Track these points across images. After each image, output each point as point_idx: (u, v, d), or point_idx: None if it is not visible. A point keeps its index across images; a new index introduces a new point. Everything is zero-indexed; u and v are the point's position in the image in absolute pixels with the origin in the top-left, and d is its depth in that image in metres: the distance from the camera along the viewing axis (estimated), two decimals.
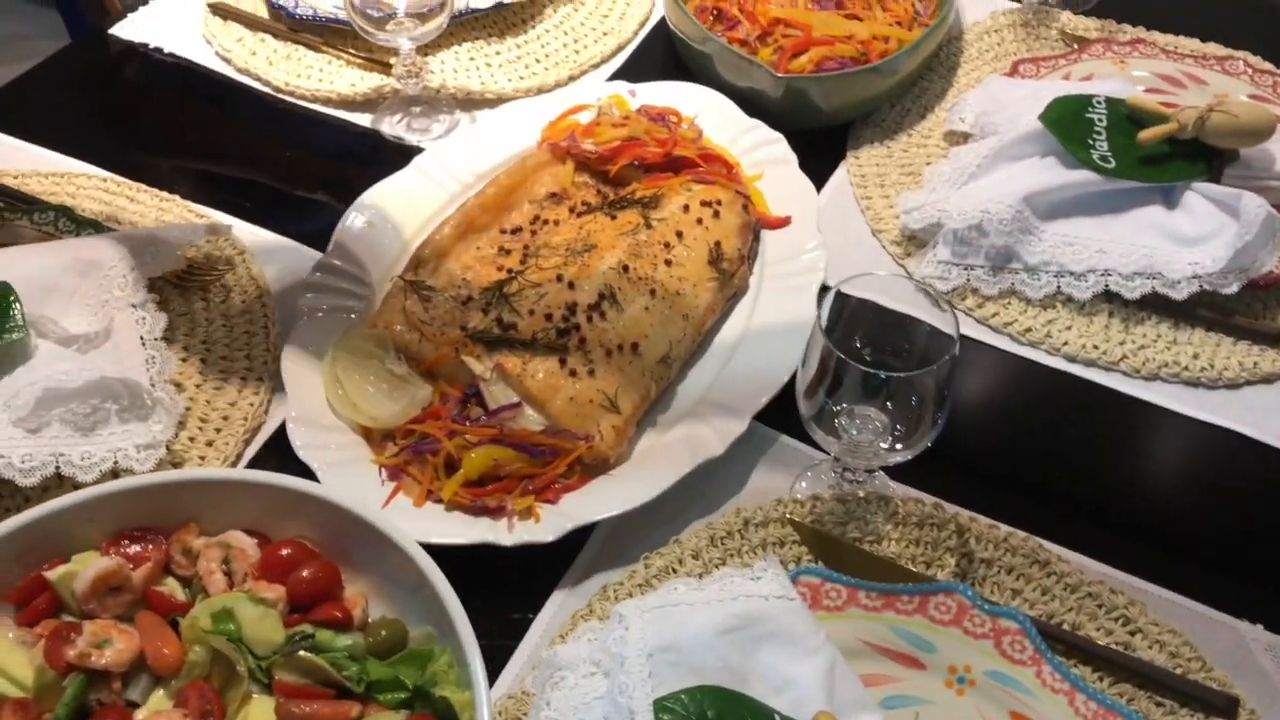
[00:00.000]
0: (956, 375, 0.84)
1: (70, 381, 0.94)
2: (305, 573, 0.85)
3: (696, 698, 0.75)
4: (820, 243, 1.12)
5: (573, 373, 0.97)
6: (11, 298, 0.99)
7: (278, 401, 1.06)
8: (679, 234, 1.09)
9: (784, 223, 1.15)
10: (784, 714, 0.76)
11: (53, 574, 0.84)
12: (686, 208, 1.11)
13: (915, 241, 1.19)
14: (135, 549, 0.87)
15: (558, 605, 0.92)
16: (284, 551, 0.86)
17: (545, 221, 1.15)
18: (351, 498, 0.86)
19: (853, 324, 0.88)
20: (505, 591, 0.92)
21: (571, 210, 1.17)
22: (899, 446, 0.88)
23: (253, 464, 1.02)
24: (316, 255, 1.17)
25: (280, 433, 1.03)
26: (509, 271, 1.08)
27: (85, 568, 0.83)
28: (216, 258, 1.16)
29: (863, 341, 0.89)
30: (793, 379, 0.97)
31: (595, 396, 0.97)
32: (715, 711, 0.75)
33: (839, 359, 0.82)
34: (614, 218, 1.11)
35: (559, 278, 1.03)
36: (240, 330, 1.10)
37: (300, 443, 0.96)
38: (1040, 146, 1.18)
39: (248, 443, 1.02)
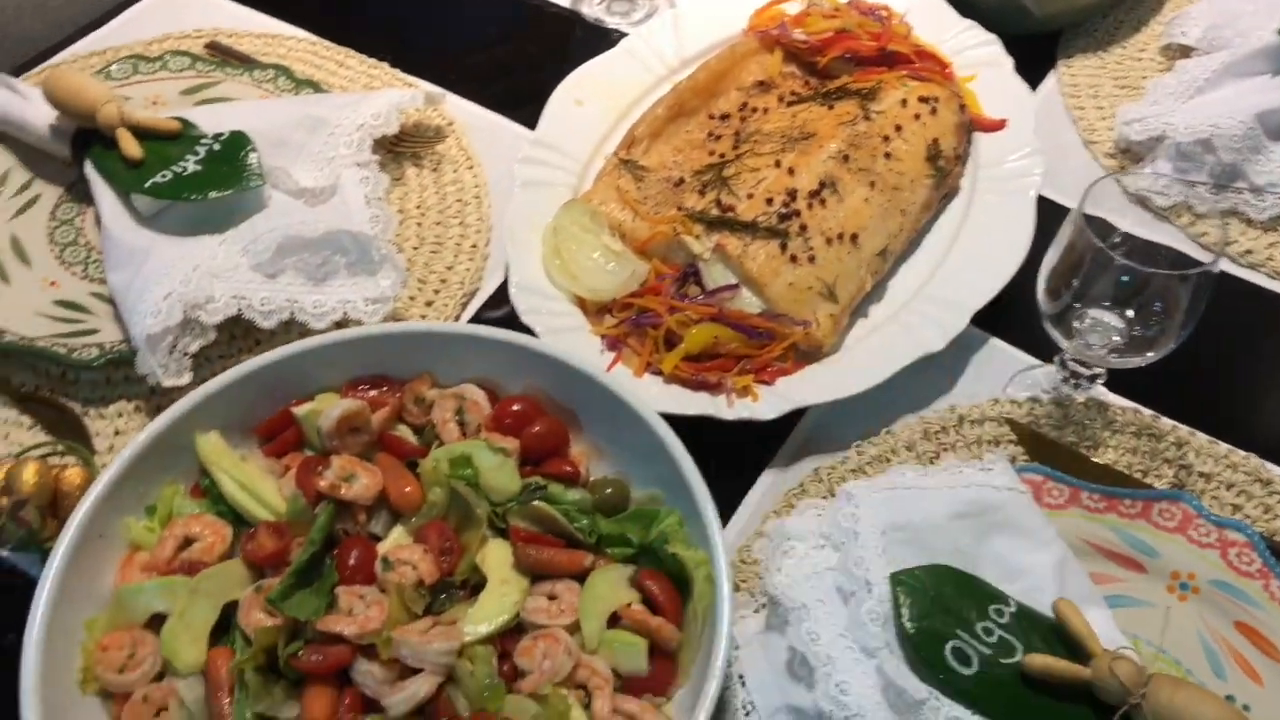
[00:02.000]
0: (1212, 291, 0.82)
1: (310, 231, 0.96)
2: (536, 428, 0.88)
3: (933, 574, 0.76)
4: (1038, 147, 1.10)
5: (793, 258, 0.97)
6: (249, 147, 1.01)
7: (489, 269, 1.08)
8: (897, 128, 1.07)
9: (999, 125, 1.13)
10: (1022, 600, 0.77)
11: (300, 410, 0.87)
12: (904, 102, 1.09)
13: (1131, 155, 1.16)
14: (372, 394, 0.90)
15: (768, 484, 0.93)
16: (515, 407, 0.89)
17: (753, 109, 1.15)
18: (584, 359, 0.88)
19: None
20: (714, 468, 0.94)
21: (780, 99, 1.15)
22: (1132, 354, 0.86)
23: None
24: (523, 131, 1.18)
25: (494, 299, 1.06)
26: (721, 156, 1.08)
27: (330, 407, 0.86)
28: (428, 126, 1.18)
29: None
30: (1008, 283, 0.97)
31: (814, 284, 0.97)
32: (952, 588, 0.76)
33: (1097, 252, 0.81)
34: (831, 108, 1.09)
35: (777, 163, 1.03)
36: (452, 199, 1.12)
37: (524, 307, 0.98)
38: (1275, 63, 1.13)
39: (464, 306, 1.05)
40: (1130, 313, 0.86)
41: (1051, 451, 0.92)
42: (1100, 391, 0.96)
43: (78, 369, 0.96)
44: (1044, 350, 1.00)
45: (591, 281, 1.00)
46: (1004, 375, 1.00)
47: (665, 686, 0.79)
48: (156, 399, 0.97)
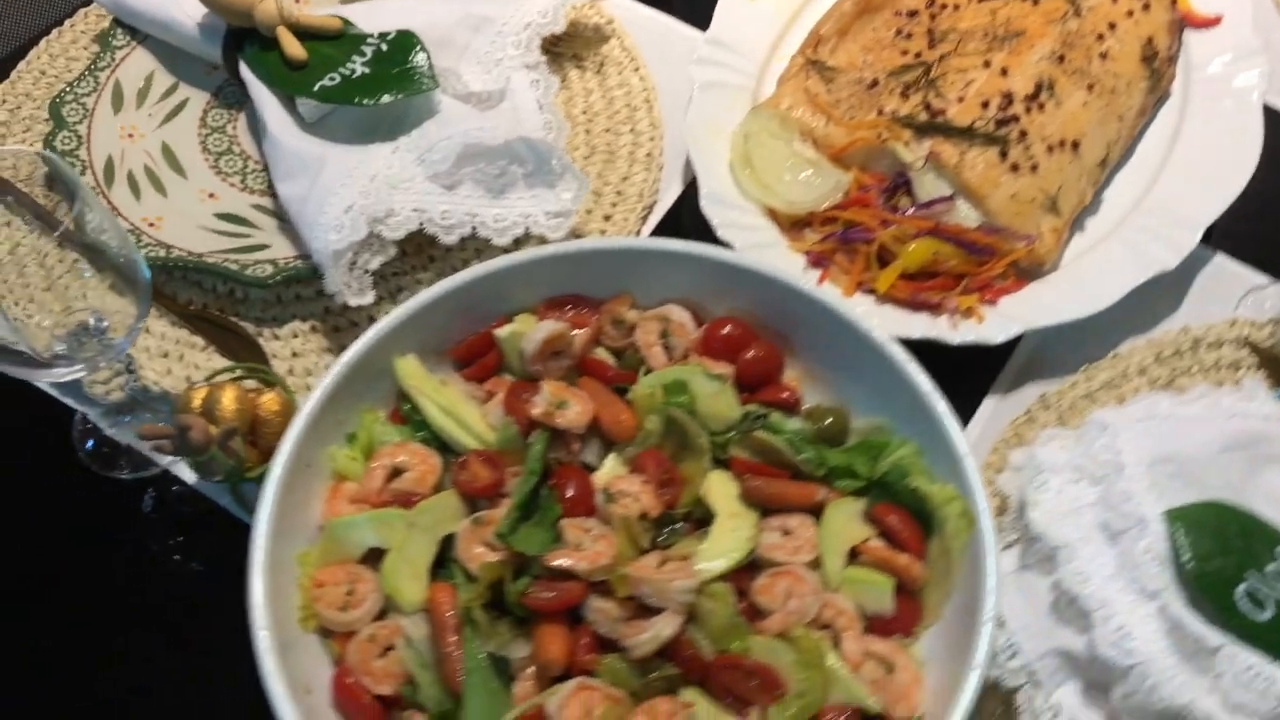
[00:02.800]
0: None
1: (491, 138, 0.90)
2: (749, 353, 0.82)
3: (1211, 512, 0.70)
4: (1261, 47, 1.00)
5: (1014, 167, 0.90)
6: (419, 47, 0.94)
7: (666, 179, 1.01)
8: (1110, 25, 0.98)
9: (1213, 22, 1.04)
10: None
11: (501, 331, 0.82)
12: None
13: None
14: (571, 314, 0.84)
15: (990, 412, 0.87)
16: (726, 329, 0.83)
17: (943, 5, 1.05)
18: (802, 278, 0.82)
19: None
20: None
21: None
22: None
23: None
24: (688, 30, 1.10)
25: (673, 213, 0.99)
26: (916, 56, 0.99)
27: (534, 329, 0.81)
28: (585, 27, 1.10)
29: None
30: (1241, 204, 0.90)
31: (1036, 195, 0.90)
32: (1236, 526, 0.70)
33: None
34: (1036, 3, 1.00)
35: (986, 64, 0.95)
36: (620, 104, 1.04)
37: (718, 220, 0.91)
38: None
39: (643, 220, 0.98)
40: None
41: None
42: None
43: (249, 286, 0.91)
44: (1275, 266, 0.93)
45: (788, 193, 0.93)
46: (1233, 294, 0.93)
47: (911, 626, 0.74)
48: (333, 319, 0.91)
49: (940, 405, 0.75)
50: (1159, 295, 0.91)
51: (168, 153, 0.99)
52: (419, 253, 0.94)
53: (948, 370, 0.87)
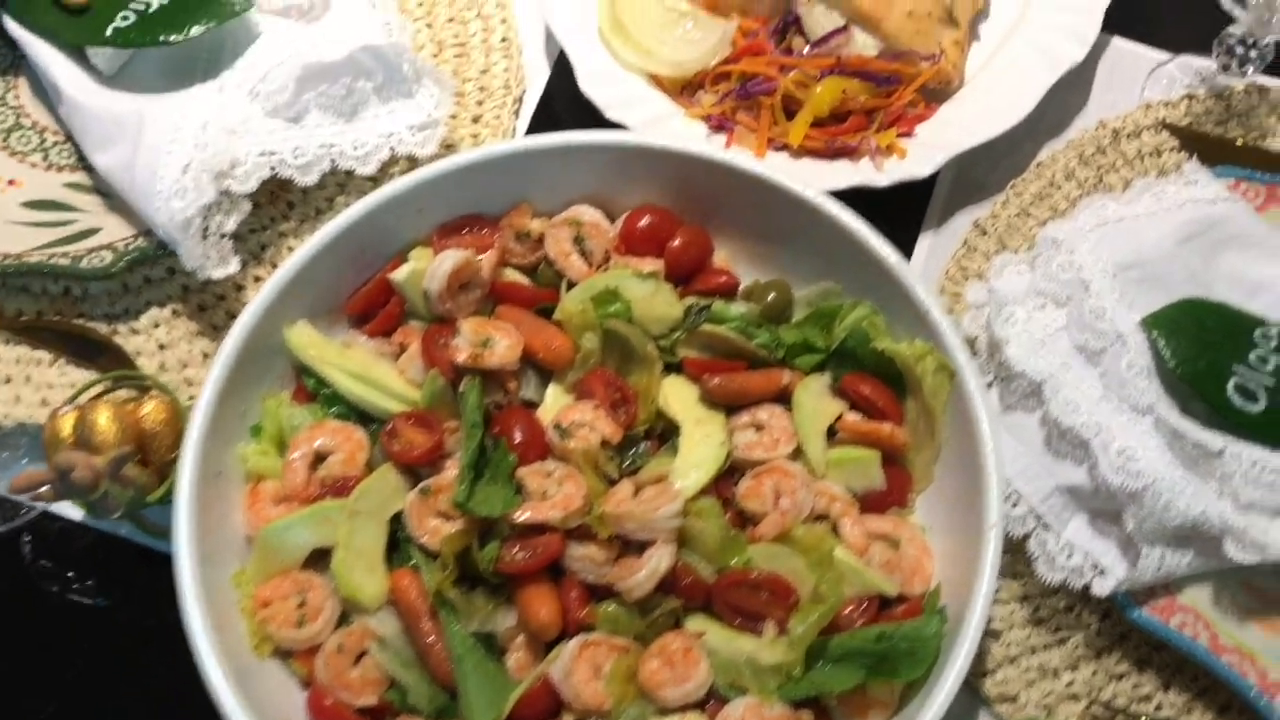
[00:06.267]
0: None
1: (330, 52, 0.78)
2: (677, 241, 0.75)
3: (1185, 311, 0.68)
4: None
5: None
6: None
7: (530, 65, 0.90)
8: None
9: None
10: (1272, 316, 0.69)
11: (398, 275, 0.72)
12: None
13: None
14: (469, 238, 0.75)
15: (928, 249, 0.83)
16: (645, 220, 0.75)
17: None
18: (714, 147, 0.74)
19: None
20: None
21: None
22: None
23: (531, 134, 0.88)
24: None
25: (546, 100, 0.89)
26: None
27: (434, 263, 0.71)
28: None
29: None
30: None
31: (933, 8, 0.83)
32: (1212, 320, 0.68)
33: None
34: None
35: None
36: None
37: (603, 100, 0.82)
38: None
39: (516, 114, 0.88)
40: None
41: (1222, 150, 0.83)
42: (1254, 75, 0.86)
43: (88, 280, 0.78)
44: (1175, 43, 0.89)
45: (672, 54, 0.84)
46: (1137, 77, 0.89)
47: (904, 495, 0.70)
48: (195, 296, 0.79)
49: (893, 258, 0.70)
50: (1065, 93, 0.86)
51: None
52: (274, 200, 0.82)
53: (874, 213, 0.81)
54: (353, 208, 0.71)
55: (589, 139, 0.73)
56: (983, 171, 0.84)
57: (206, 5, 0.78)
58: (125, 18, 0.78)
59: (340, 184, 0.83)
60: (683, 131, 0.82)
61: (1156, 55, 0.90)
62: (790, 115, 0.81)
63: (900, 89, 0.82)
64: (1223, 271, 0.72)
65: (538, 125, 0.88)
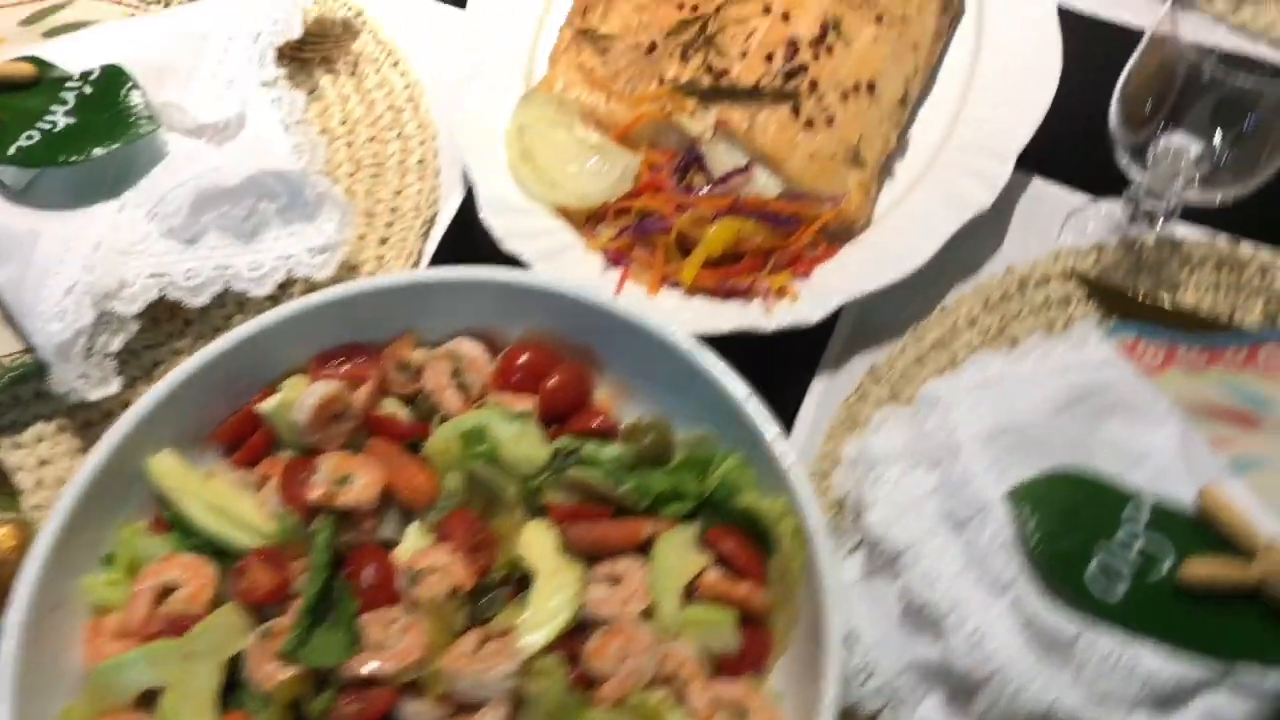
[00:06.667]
0: None
1: (228, 177, 0.79)
2: (553, 380, 0.74)
3: (1055, 484, 0.66)
4: None
5: (808, 123, 0.82)
6: (128, 85, 0.82)
7: (446, 187, 0.91)
8: None
9: None
10: (1150, 490, 0.66)
11: (266, 406, 0.72)
12: None
13: None
14: (347, 367, 0.75)
15: (820, 394, 0.81)
16: (523, 357, 0.75)
17: None
18: (593, 288, 0.74)
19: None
20: (756, 386, 0.81)
21: None
22: (1217, 186, 0.74)
23: (436, 260, 0.88)
24: (447, 10, 0.99)
25: (458, 223, 0.90)
26: (693, 9, 0.90)
27: (303, 395, 0.71)
28: (331, 22, 0.98)
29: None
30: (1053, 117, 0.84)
31: (836, 150, 0.83)
32: (1081, 495, 0.65)
33: (1190, 68, 0.68)
34: None
35: (766, 9, 0.86)
36: (383, 107, 0.93)
37: (501, 231, 0.82)
38: None
39: (425, 236, 0.88)
40: (1218, 136, 0.74)
41: (1128, 303, 0.81)
42: (1171, 225, 0.85)
43: None
44: (1096, 184, 0.88)
45: (576, 186, 0.84)
46: (1054, 220, 0.88)
47: (761, 660, 0.68)
48: (82, 413, 0.80)
49: (757, 411, 0.68)
50: (980, 233, 0.85)
51: None
52: (173, 318, 0.83)
53: (772, 353, 0.81)
54: (221, 339, 0.71)
55: (461, 275, 0.74)
56: (887, 312, 0.83)
57: (112, 127, 0.80)
58: (30, 136, 0.79)
59: (240, 303, 0.83)
60: (579, 265, 0.82)
61: (1076, 198, 0.89)
62: (687, 253, 0.81)
63: (799, 231, 0.81)
64: (1105, 440, 0.69)
65: (446, 248, 0.89)
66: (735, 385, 0.69)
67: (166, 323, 0.83)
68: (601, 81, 0.88)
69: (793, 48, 0.84)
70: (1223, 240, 0.84)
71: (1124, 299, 0.81)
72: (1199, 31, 0.73)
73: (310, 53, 0.96)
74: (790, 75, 0.83)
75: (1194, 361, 0.76)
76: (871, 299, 0.82)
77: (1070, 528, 0.64)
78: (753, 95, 0.83)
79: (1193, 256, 0.83)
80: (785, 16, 0.85)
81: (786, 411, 0.80)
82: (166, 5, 0.95)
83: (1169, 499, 0.66)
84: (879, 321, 0.83)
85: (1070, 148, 0.88)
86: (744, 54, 0.84)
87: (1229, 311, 0.81)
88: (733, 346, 0.77)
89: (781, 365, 0.82)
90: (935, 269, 0.82)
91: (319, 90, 0.94)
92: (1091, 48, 0.96)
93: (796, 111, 0.82)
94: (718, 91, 0.83)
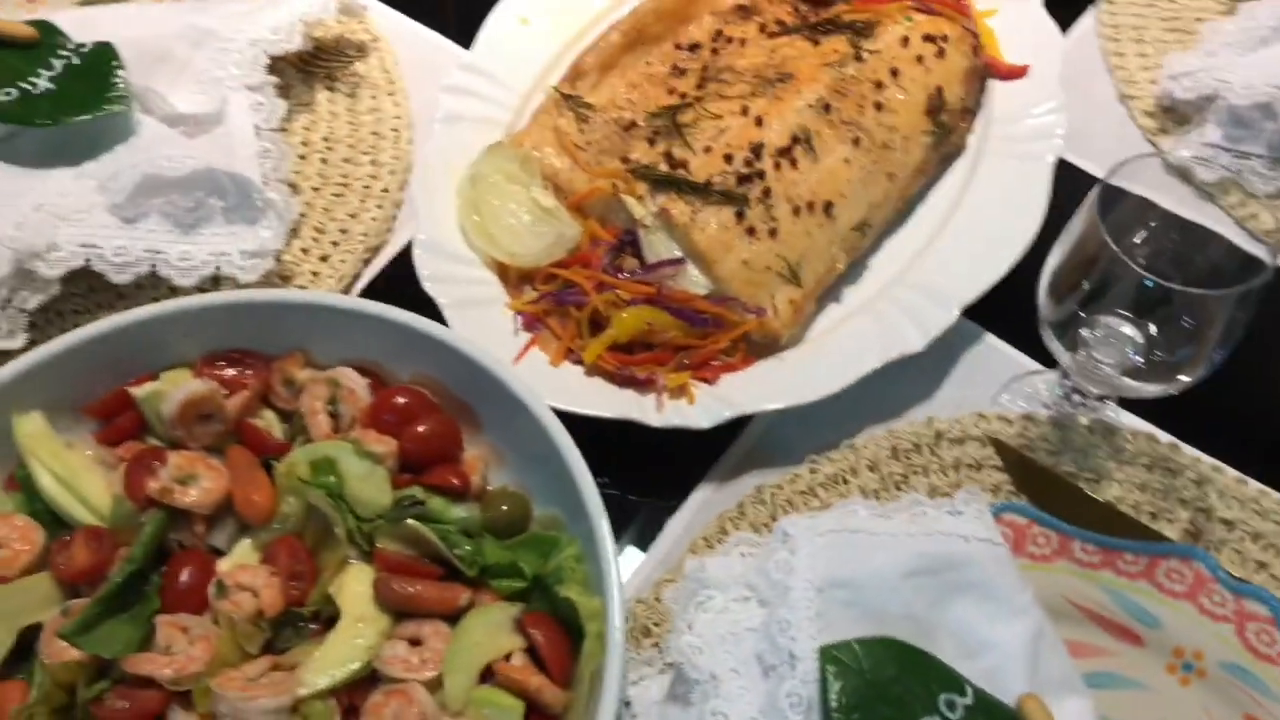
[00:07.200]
0: (1255, 305, 0.65)
1: (174, 169, 0.81)
2: (421, 427, 0.73)
3: (874, 650, 0.62)
4: (1061, 103, 0.91)
5: (750, 230, 0.81)
6: (114, 63, 0.85)
7: (403, 219, 0.92)
8: (894, 72, 0.89)
9: (1019, 73, 0.95)
10: (976, 685, 0.62)
11: (139, 391, 0.73)
12: (905, 41, 0.91)
13: (1174, 115, 0.98)
14: (232, 372, 0.75)
15: (701, 502, 0.79)
16: (399, 399, 0.74)
17: (729, 39, 0.97)
18: (481, 346, 0.73)
19: (1125, 217, 0.70)
20: (641, 477, 0.80)
21: (762, 29, 0.97)
22: (1151, 379, 0.70)
23: (371, 288, 0.89)
24: (459, 51, 1.01)
25: (404, 256, 0.90)
26: (682, 96, 0.90)
27: (175, 389, 0.72)
28: (348, 42, 1.01)
29: (1136, 241, 0.70)
30: (1014, 268, 0.81)
31: (774, 262, 0.81)
32: (895, 669, 0.61)
33: (1113, 257, 0.64)
34: (816, 43, 0.91)
35: (744, 110, 0.86)
36: (367, 130, 0.95)
37: (427, 272, 0.82)
38: None
39: (366, 263, 0.89)
40: (1153, 326, 0.70)
41: (1043, 482, 0.77)
42: (1109, 409, 0.80)
43: None
44: (1048, 353, 0.84)
45: (512, 244, 0.84)
46: (997, 380, 0.84)
47: None
48: None
49: (595, 504, 0.66)
50: (911, 376, 0.82)
51: None
52: (107, 288, 0.85)
53: (665, 451, 0.79)
54: (115, 317, 0.73)
55: (354, 306, 0.74)
56: (791, 435, 0.80)
57: (86, 99, 0.83)
58: (8, 93, 0.83)
59: (173, 289, 0.85)
60: (491, 321, 0.81)
61: (1025, 362, 0.85)
62: (600, 331, 0.80)
63: (717, 334, 0.79)
64: (950, 619, 0.65)
65: (382, 279, 0.89)
66: (583, 474, 0.68)
67: (101, 292, 0.85)
68: (571, 148, 0.88)
69: (755, 152, 0.83)
70: (1164, 438, 0.79)
71: (1039, 477, 0.77)
72: (1160, 186, 0.71)
73: (317, 66, 0.99)
74: (744, 179, 0.82)
75: (1086, 559, 0.72)
76: (779, 418, 0.80)
77: (878, 699, 0.60)
78: (702, 191, 0.81)
79: (1125, 449, 0.78)
80: (759, 121, 0.84)
81: (663, 511, 0.78)
82: None
83: (995, 695, 0.62)
84: (781, 442, 0.80)
85: (1029, 310, 0.85)
86: (707, 149, 0.84)
87: (1151, 517, 0.76)
88: (630, 432, 0.76)
89: (673, 463, 0.80)
90: (852, 402, 0.79)
91: (314, 103, 0.97)
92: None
93: (741, 216, 0.81)
94: (670, 181, 0.82)
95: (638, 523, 0.78)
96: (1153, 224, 0.72)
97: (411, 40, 1.02)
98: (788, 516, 0.70)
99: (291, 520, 0.70)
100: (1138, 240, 0.72)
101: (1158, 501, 0.77)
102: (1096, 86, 1.01)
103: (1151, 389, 0.71)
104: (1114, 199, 0.68)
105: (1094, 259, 0.66)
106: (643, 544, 0.77)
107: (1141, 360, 0.71)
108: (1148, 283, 0.64)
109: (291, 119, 0.94)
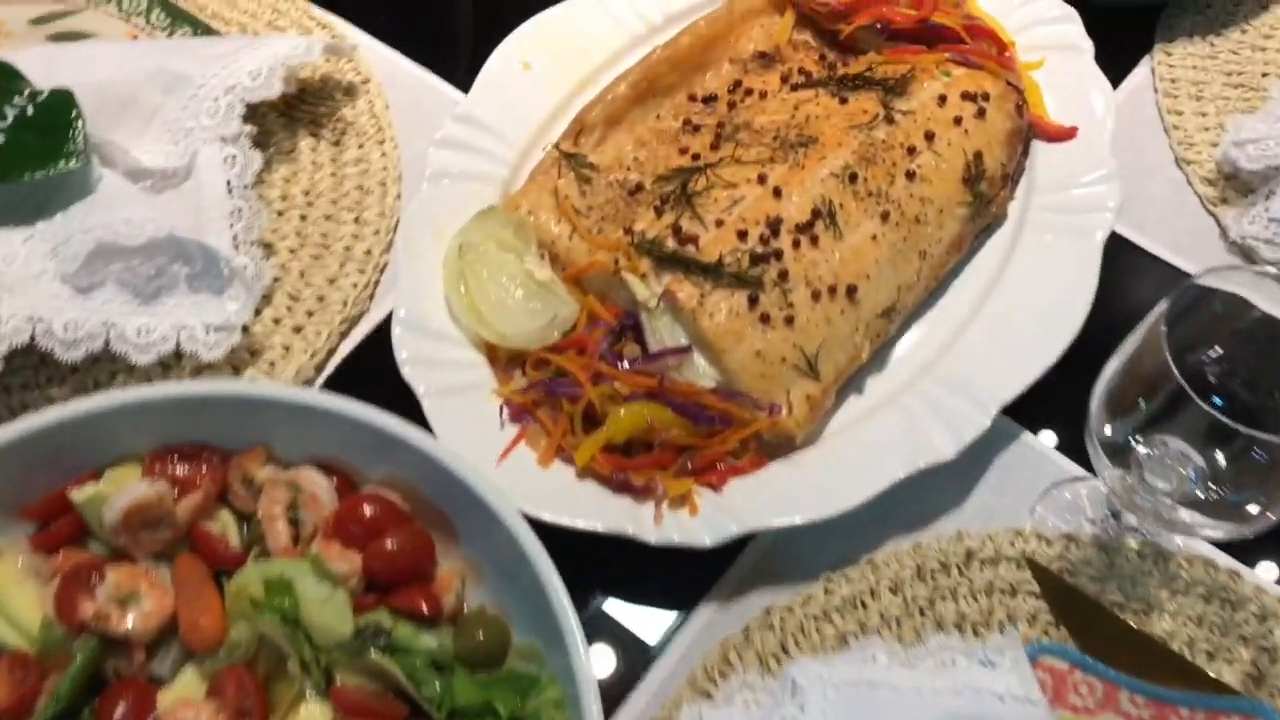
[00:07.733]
0: None
1: (131, 237, 0.73)
2: (390, 543, 0.65)
3: None
4: (1114, 170, 0.83)
5: (764, 318, 0.73)
6: (73, 113, 0.78)
7: (386, 284, 0.84)
8: (929, 136, 0.80)
9: (1068, 135, 0.86)
10: None
11: (79, 494, 0.66)
12: (942, 100, 0.83)
13: (1236, 184, 0.89)
14: (185, 469, 0.68)
15: (704, 624, 0.71)
16: (366, 509, 0.66)
17: (749, 91, 0.89)
18: (457, 449, 0.66)
19: (1204, 327, 0.61)
20: (636, 591, 0.72)
21: (785, 80, 0.89)
22: (1213, 514, 0.62)
23: (347, 363, 0.81)
24: (459, 96, 0.93)
25: (386, 326, 0.82)
26: (694, 157, 0.82)
27: (119, 492, 0.65)
28: (335, 84, 0.93)
29: (1214, 357, 0.62)
30: (1061, 365, 0.73)
31: (789, 353, 0.73)
32: None
33: (1178, 389, 0.56)
34: (843, 101, 0.83)
35: (761, 179, 0.77)
36: (352, 184, 0.88)
37: (405, 354, 0.75)
38: None
39: (344, 335, 0.82)
40: (1221, 457, 0.61)
41: (1087, 614, 0.69)
42: (1160, 535, 0.72)
43: None
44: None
45: (502, 323, 0.76)
46: (1034, 484, 0.76)
47: None
48: None
49: (575, 640, 0.59)
50: (940, 479, 0.74)
51: None
52: (58, 363, 0.78)
53: (663, 563, 0.71)
54: (51, 411, 0.65)
55: (319, 402, 0.67)
56: (805, 548, 0.72)
57: (39, 154, 0.76)
58: None
59: (130, 368, 0.78)
60: (475, 412, 0.74)
61: (1068, 466, 0.76)
62: (594, 427, 0.72)
63: (725, 433, 0.71)
64: None
65: (362, 353, 0.82)
66: (563, 607, 0.60)
67: (52, 366, 0.78)
68: (571, 213, 0.80)
69: (773, 228, 0.74)
70: (1223, 564, 0.71)
71: (1081, 608, 0.69)
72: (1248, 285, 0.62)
73: (302, 111, 0.91)
74: (759, 259, 0.73)
75: (1135, 713, 0.63)
76: (793, 528, 0.72)
77: None
78: (712, 272, 0.73)
79: (1180, 576, 0.70)
80: (777, 192, 0.76)
81: (661, 631, 0.70)
82: (170, 35, 0.91)
83: None
84: (793, 554, 0.72)
85: (1074, 403, 0.76)
86: (719, 222, 0.75)
87: (1209, 656, 0.68)
88: (629, 547, 0.68)
89: (673, 575, 0.72)
90: (874, 511, 0.71)
91: (295, 152, 0.89)
92: (1139, 288, 0.85)
93: (754, 301, 0.72)
94: (677, 258, 0.74)
95: (630, 647, 0.70)
96: (1239, 327, 0.63)
97: (405, 82, 0.94)
98: (797, 662, 0.62)
99: (241, 648, 0.62)
100: (1218, 348, 0.63)
101: (1216, 638, 0.68)
102: (1150, 146, 0.92)
103: (1212, 530, 0.62)
104: (1196, 299, 0.60)
105: (1155, 384, 0.58)
106: (635, 671, 0.69)
107: (1201, 494, 0.62)
108: (1217, 419, 0.56)
109: (271, 169, 0.87)
